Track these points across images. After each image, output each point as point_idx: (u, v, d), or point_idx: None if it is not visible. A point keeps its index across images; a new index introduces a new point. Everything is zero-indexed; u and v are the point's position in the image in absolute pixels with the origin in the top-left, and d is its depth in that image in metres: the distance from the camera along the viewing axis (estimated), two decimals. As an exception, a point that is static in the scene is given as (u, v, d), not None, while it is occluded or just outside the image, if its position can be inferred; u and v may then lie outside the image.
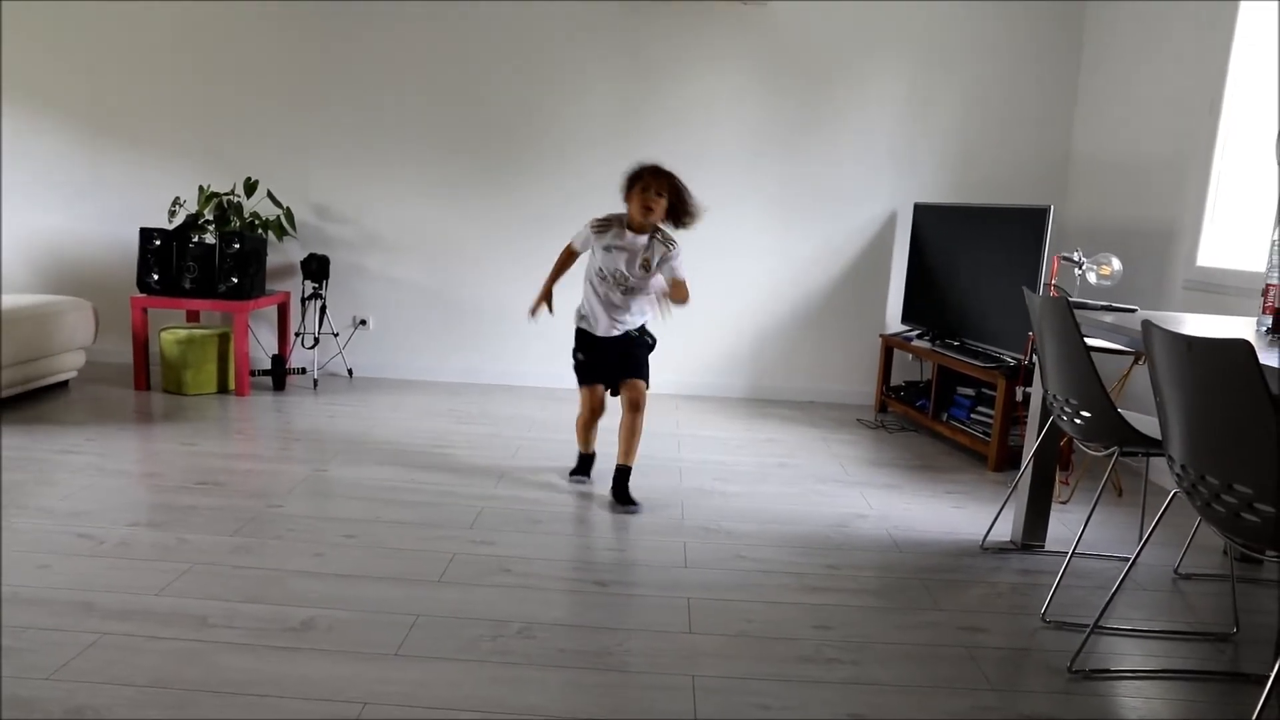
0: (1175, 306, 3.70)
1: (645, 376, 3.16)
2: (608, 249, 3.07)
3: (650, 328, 3.22)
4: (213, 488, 3.05)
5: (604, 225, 3.10)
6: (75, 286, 4.84)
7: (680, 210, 3.06)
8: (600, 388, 3.20)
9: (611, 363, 3.17)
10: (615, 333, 3.13)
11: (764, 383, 4.94)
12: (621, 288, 3.08)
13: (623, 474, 3.15)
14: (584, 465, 3.38)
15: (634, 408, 3.13)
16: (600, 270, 3.10)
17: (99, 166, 4.78)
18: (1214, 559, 2.88)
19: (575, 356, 3.21)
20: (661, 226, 3.08)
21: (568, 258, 3.26)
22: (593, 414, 3.24)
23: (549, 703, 1.86)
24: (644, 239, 3.06)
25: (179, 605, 2.19)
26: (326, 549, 2.59)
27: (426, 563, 2.53)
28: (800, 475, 3.58)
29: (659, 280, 3.08)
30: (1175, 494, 1.97)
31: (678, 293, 3.04)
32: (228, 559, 2.48)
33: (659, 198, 3.01)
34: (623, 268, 3.05)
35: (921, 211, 4.58)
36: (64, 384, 4.36)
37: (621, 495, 3.12)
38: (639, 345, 3.19)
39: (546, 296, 3.26)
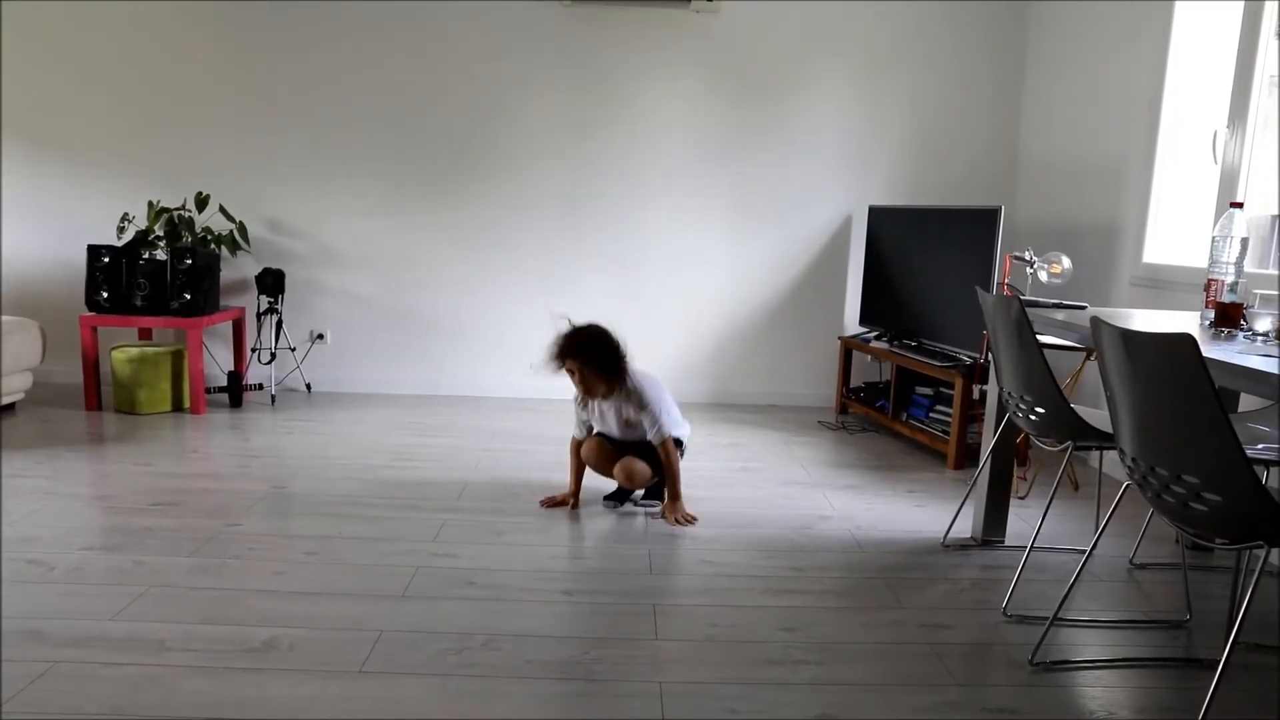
0: (1123, 302, 3.79)
1: (647, 461, 3.08)
2: (601, 423, 3.13)
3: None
4: (169, 508, 2.99)
5: (583, 401, 3.11)
6: (19, 306, 4.73)
7: (611, 367, 2.98)
8: (606, 442, 3.13)
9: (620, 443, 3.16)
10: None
11: (724, 388, 4.97)
12: (629, 443, 3.12)
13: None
14: (619, 491, 3.24)
15: (627, 477, 3.08)
16: (602, 433, 3.17)
17: (39, 181, 4.67)
18: (1167, 548, 2.94)
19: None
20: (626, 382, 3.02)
21: (578, 450, 3.16)
22: (599, 465, 3.14)
23: (516, 715, 1.85)
24: (614, 400, 3.04)
25: (135, 630, 2.15)
26: (287, 567, 2.55)
27: (389, 578, 2.50)
28: (763, 478, 3.60)
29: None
30: (1127, 486, 2.01)
31: (667, 459, 3.04)
32: (185, 580, 2.44)
33: (585, 377, 2.97)
34: (616, 435, 3.12)
35: (876, 214, 4.64)
36: (10, 406, 4.25)
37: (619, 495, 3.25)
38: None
39: (574, 494, 3.17)
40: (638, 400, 3.02)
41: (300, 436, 3.98)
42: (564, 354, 2.97)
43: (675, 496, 3.07)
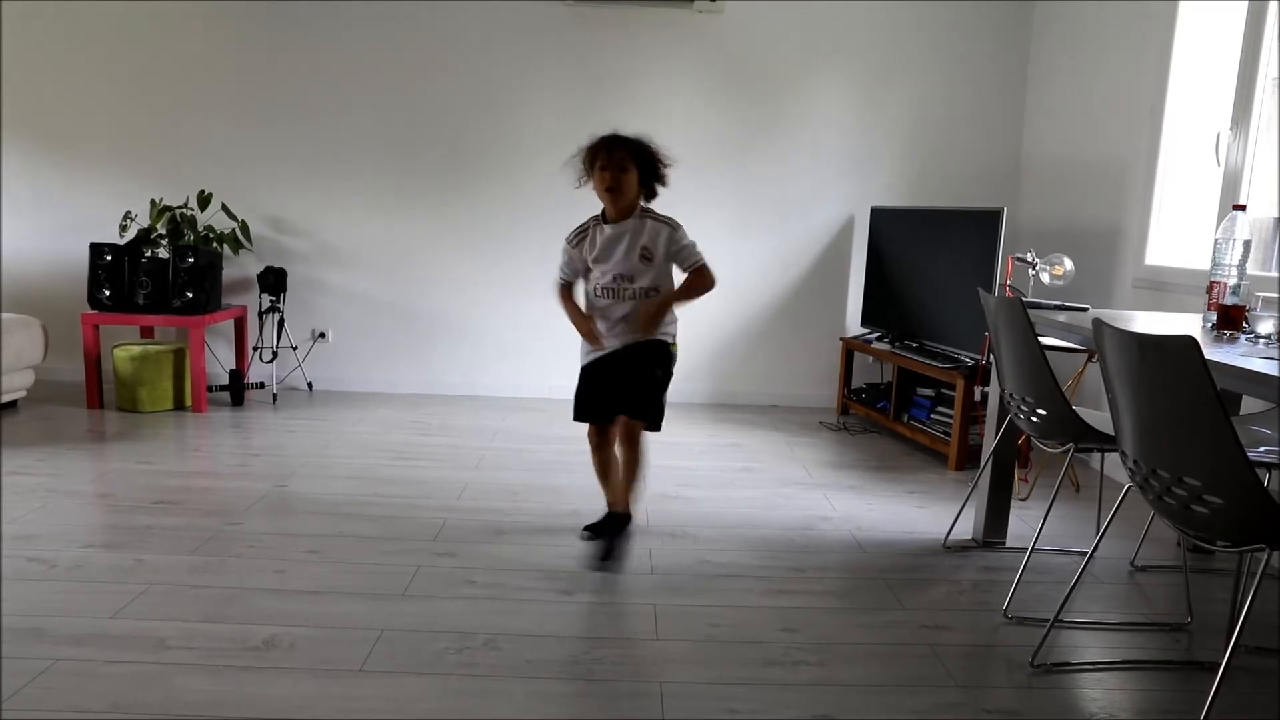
0: (1125, 304, 3.79)
1: (648, 415, 2.64)
2: (597, 260, 2.64)
3: (673, 345, 2.74)
4: (170, 506, 3.00)
5: (580, 235, 2.68)
6: (22, 304, 4.73)
7: (652, 175, 2.62)
8: (595, 427, 2.73)
9: (612, 386, 2.68)
10: (630, 341, 2.68)
11: (726, 388, 4.96)
12: (628, 294, 2.63)
13: (611, 521, 2.73)
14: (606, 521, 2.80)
15: (628, 440, 2.64)
16: (597, 289, 2.67)
17: (41, 179, 4.68)
18: (1168, 550, 2.94)
19: (576, 391, 2.74)
20: (647, 205, 2.66)
21: (568, 294, 2.76)
22: (600, 450, 2.75)
23: (516, 714, 1.85)
24: (630, 224, 2.61)
25: (136, 627, 2.15)
26: (288, 565, 2.55)
27: (390, 577, 2.50)
28: (764, 479, 3.59)
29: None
30: (1129, 488, 2.01)
31: (699, 282, 2.65)
32: (186, 579, 2.44)
33: (623, 173, 2.56)
34: (620, 270, 2.61)
35: (878, 215, 4.64)
36: (12, 404, 4.25)
37: (606, 548, 2.64)
38: (647, 371, 2.67)
39: (588, 323, 2.68)
40: (670, 226, 2.64)
41: (301, 435, 3.98)
42: (612, 144, 2.58)
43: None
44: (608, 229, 2.65)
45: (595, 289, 2.68)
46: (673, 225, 2.66)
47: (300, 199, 4.75)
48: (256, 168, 4.70)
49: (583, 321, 2.68)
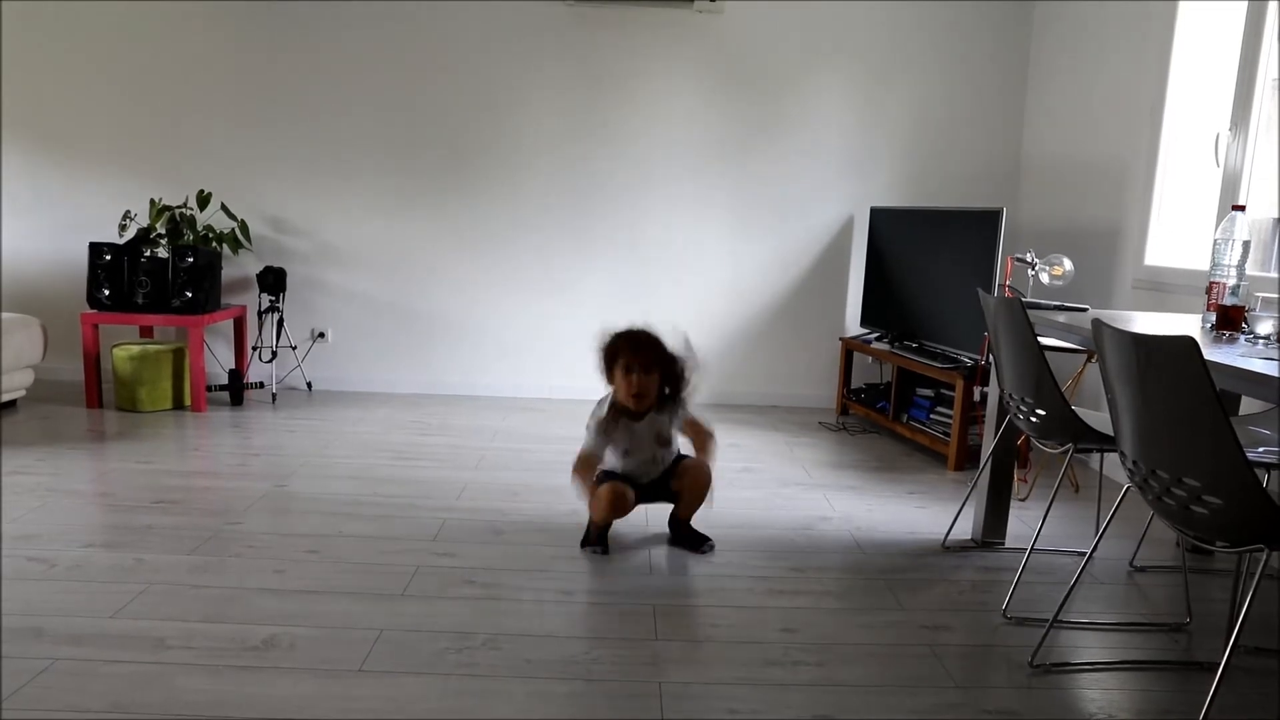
0: (1125, 305, 3.79)
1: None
2: (629, 452, 2.76)
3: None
4: (170, 506, 3.00)
5: (610, 423, 2.73)
6: (21, 303, 4.73)
7: (675, 380, 2.74)
8: (629, 489, 2.74)
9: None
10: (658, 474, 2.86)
11: (726, 388, 4.96)
12: (654, 468, 2.82)
13: (686, 529, 2.86)
14: (601, 536, 2.82)
15: (703, 479, 2.79)
16: (628, 466, 2.79)
17: (40, 178, 4.68)
18: (1167, 551, 2.94)
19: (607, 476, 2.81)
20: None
21: (591, 467, 2.74)
22: (619, 512, 2.75)
23: (516, 714, 1.85)
24: (650, 417, 2.75)
25: (135, 627, 2.15)
26: (287, 565, 2.55)
27: (389, 576, 2.51)
28: (763, 479, 3.59)
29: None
30: (1128, 489, 2.01)
31: (707, 439, 2.80)
32: (186, 578, 2.44)
33: (647, 378, 2.67)
34: (647, 456, 2.78)
35: (878, 215, 4.64)
36: (12, 404, 4.25)
37: (699, 540, 2.82)
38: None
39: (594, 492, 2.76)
40: (675, 404, 2.78)
41: (301, 435, 3.98)
42: (637, 345, 2.67)
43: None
44: (634, 425, 2.76)
45: (625, 466, 2.80)
46: (679, 403, 2.80)
47: (300, 199, 4.75)
48: (256, 168, 4.71)
49: (591, 492, 2.76)
